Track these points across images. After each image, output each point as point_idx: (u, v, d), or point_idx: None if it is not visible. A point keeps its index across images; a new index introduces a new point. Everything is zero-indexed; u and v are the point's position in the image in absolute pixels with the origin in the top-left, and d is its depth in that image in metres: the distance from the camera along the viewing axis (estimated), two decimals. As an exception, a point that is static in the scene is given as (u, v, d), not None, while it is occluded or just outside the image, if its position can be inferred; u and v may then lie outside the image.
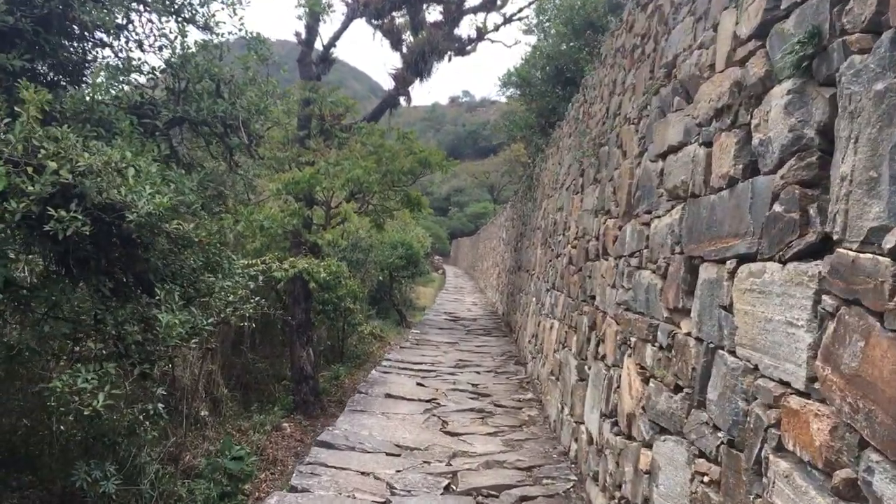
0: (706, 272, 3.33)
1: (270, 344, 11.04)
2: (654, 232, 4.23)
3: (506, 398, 8.80)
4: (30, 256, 4.90)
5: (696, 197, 3.56)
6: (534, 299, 10.87)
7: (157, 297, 4.64)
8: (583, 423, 5.90)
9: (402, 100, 10.80)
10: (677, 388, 3.59)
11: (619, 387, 4.76)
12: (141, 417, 6.42)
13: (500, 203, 27.82)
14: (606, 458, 4.94)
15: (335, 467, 6.02)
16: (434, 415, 7.90)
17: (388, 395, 8.70)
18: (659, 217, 4.15)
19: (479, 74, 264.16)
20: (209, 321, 4.91)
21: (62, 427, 5.31)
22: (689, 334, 3.49)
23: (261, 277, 6.49)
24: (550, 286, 8.96)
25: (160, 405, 7.35)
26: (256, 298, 6.15)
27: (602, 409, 5.21)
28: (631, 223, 4.84)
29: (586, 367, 5.99)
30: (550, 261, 9.22)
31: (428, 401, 8.54)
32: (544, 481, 5.83)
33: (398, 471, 5.98)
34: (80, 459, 5.34)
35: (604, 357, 5.36)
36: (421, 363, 11.31)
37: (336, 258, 14.81)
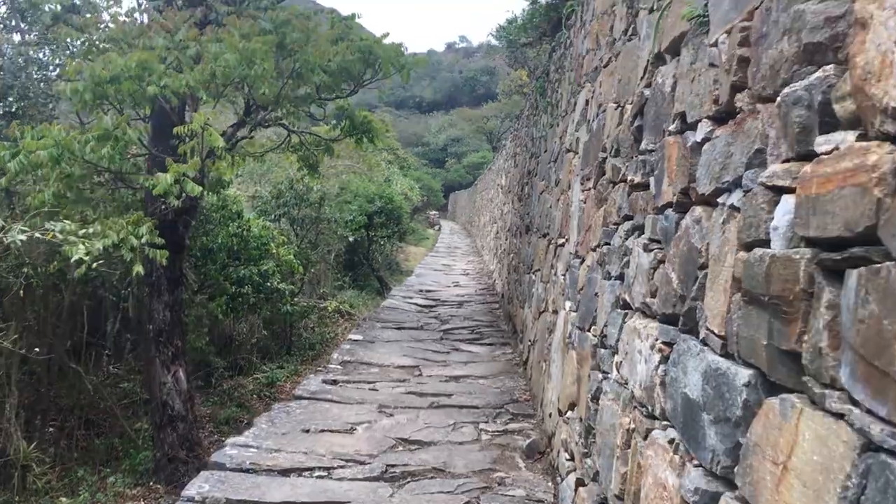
0: None
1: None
2: None
3: None
4: None
5: None
6: (563, 300, 4.96)
7: None
8: None
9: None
10: None
11: None
12: None
13: (499, 151, 23.98)
14: None
15: None
16: None
17: None
18: None
19: (477, 20, 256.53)
20: None
21: None
22: None
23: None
24: (639, 306, 2.79)
25: None
26: None
27: None
28: None
29: None
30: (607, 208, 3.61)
31: None
32: None
33: None
34: None
35: None
36: (302, 469, 4.54)
37: (272, 216, 11.08)
